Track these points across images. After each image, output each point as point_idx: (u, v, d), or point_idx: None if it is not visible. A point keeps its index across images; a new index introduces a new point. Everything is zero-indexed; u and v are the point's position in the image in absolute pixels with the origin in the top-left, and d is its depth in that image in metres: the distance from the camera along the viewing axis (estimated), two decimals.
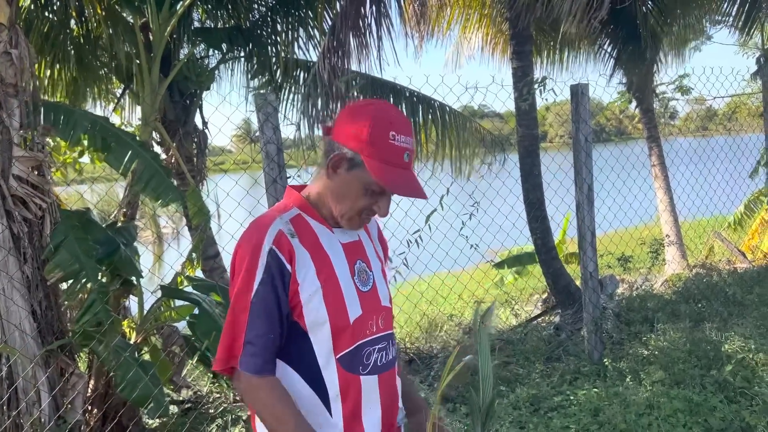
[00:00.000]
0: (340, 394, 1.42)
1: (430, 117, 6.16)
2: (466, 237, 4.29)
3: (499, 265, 7.90)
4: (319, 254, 1.42)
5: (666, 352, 3.71)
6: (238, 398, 3.60)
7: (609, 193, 6.38)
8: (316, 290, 1.39)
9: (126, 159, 3.57)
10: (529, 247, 6.89)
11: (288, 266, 1.37)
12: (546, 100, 5.11)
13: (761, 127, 7.52)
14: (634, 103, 9.45)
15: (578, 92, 3.82)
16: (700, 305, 4.98)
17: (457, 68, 9.73)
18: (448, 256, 4.68)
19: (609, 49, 8.41)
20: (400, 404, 1.60)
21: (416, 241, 3.93)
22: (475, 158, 6.46)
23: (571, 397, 3.41)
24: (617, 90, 10.84)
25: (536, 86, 4.95)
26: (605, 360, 3.78)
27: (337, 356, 1.41)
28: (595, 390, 3.45)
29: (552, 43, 8.54)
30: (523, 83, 5.17)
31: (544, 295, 6.57)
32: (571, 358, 4.11)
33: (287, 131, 5.17)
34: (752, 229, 8.94)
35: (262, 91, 3.55)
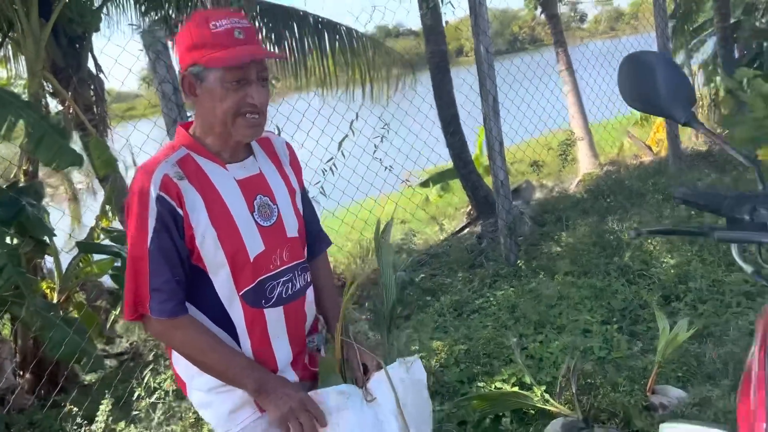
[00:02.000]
0: (246, 328, 1.46)
1: (337, 44, 6.05)
2: (380, 160, 4.34)
3: (425, 184, 8.06)
4: (211, 195, 1.40)
5: (574, 246, 3.97)
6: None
7: (523, 100, 6.52)
8: (210, 233, 1.39)
9: (7, 120, 3.34)
10: (447, 165, 7.04)
11: (179, 210, 1.37)
12: (445, 14, 5.10)
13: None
14: (540, 10, 9.56)
15: (476, 3, 3.84)
16: (607, 200, 5.30)
17: None
18: (364, 181, 4.71)
19: None
20: (320, 327, 1.63)
21: (330, 169, 3.94)
22: (387, 81, 6.45)
23: (491, 299, 3.64)
24: None
25: (431, 1, 4.92)
26: (519, 261, 4.02)
27: (240, 293, 1.44)
28: (512, 289, 3.68)
29: None
30: (420, 1, 5.13)
31: (468, 208, 6.79)
32: (491, 263, 4.34)
33: None
34: (656, 123, 9.45)
35: (150, 29, 3.36)
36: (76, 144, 4.93)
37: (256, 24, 5.57)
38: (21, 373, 4.06)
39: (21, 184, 4.15)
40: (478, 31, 3.89)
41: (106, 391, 2.88)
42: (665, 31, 5.12)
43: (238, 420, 1.47)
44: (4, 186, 4.01)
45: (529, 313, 3.21)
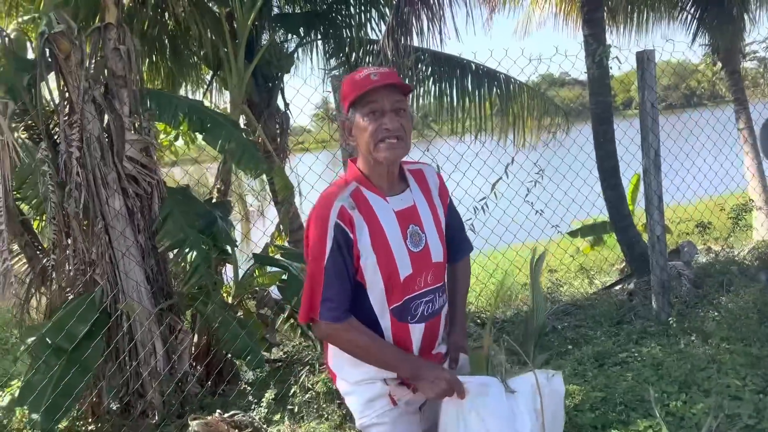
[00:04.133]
0: (392, 338, 1.72)
1: (495, 90, 6.27)
2: (532, 203, 4.42)
3: (573, 234, 7.91)
4: (374, 224, 1.67)
5: (733, 312, 3.77)
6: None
7: (695, 162, 6.19)
8: (372, 256, 1.66)
9: (221, 138, 3.98)
10: (601, 218, 6.88)
11: (351, 235, 1.65)
12: (611, 68, 5.12)
13: None
14: (719, 65, 9.07)
15: (644, 59, 3.87)
16: None
17: (526, 36, 9.73)
18: (514, 222, 4.79)
19: (692, 11, 8.16)
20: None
21: (482, 208, 4.10)
22: (539, 128, 6.53)
23: (636, 354, 3.56)
24: (703, 52, 10.40)
25: (598, 55, 4.97)
26: (670, 320, 3.88)
27: (390, 308, 1.70)
28: (660, 347, 3.58)
29: (629, 8, 8.36)
30: (587, 53, 5.20)
31: (623, 265, 6.57)
32: (639, 320, 4.23)
33: None
34: None
35: (336, 73, 3.85)
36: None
37: (422, 69, 5.94)
38: (194, 364, 4.65)
39: (214, 200, 4.81)
40: (644, 86, 3.91)
41: (271, 382, 3.25)
42: None
43: (374, 408, 1.76)
44: (203, 201, 4.68)
45: (675, 372, 3.12)
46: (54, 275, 3.90)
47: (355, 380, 1.78)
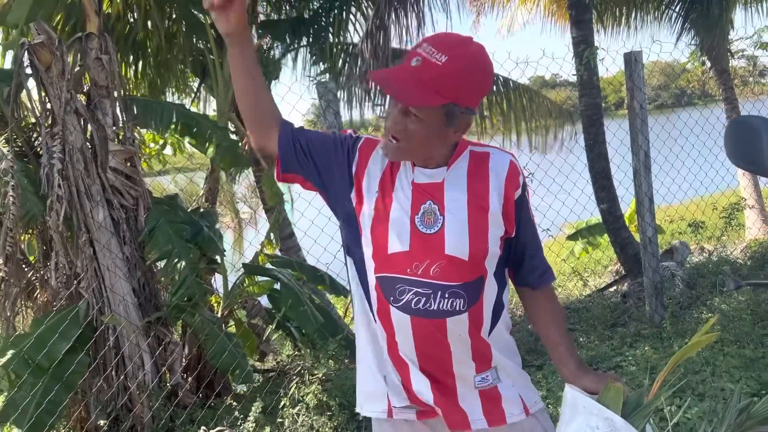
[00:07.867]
0: (378, 310, 1.47)
1: (494, 97, 6.24)
2: None
3: (573, 237, 7.91)
4: (386, 183, 1.45)
5: (726, 313, 3.74)
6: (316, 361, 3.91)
7: (684, 162, 6.17)
8: (370, 212, 1.44)
9: (207, 140, 3.96)
10: (594, 219, 6.85)
11: (356, 156, 1.48)
12: (607, 70, 5.10)
13: None
14: (708, 64, 9.10)
15: (631, 60, 3.85)
16: None
17: (510, 36, 9.75)
18: None
19: (677, 9, 8.18)
20: (493, 364, 1.49)
21: None
22: (546, 130, 6.49)
23: (630, 358, 3.53)
24: (690, 50, 10.41)
25: (585, 57, 4.95)
26: (664, 322, 3.85)
27: (376, 275, 1.46)
28: (654, 350, 3.54)
29: (616, 9, 8.37)
30: (574, 54, 5.18)
31: (616, 266, 6.55)
32: (633, 323, 4.19)
33: (353, 114, 5.38)
34: None
35: (323, 80, 3.81)
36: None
37: None
38: (184, 376, 4.58)
39: (201, 210, 4.76)
40: (632, 87, 3.88)
41: (258, 396, 3.20)
42: None
43: (370, 408, 1.53)
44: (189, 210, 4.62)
45: (669, 376, 3.07)
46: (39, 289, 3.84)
47: (359, 357, 1.55)
